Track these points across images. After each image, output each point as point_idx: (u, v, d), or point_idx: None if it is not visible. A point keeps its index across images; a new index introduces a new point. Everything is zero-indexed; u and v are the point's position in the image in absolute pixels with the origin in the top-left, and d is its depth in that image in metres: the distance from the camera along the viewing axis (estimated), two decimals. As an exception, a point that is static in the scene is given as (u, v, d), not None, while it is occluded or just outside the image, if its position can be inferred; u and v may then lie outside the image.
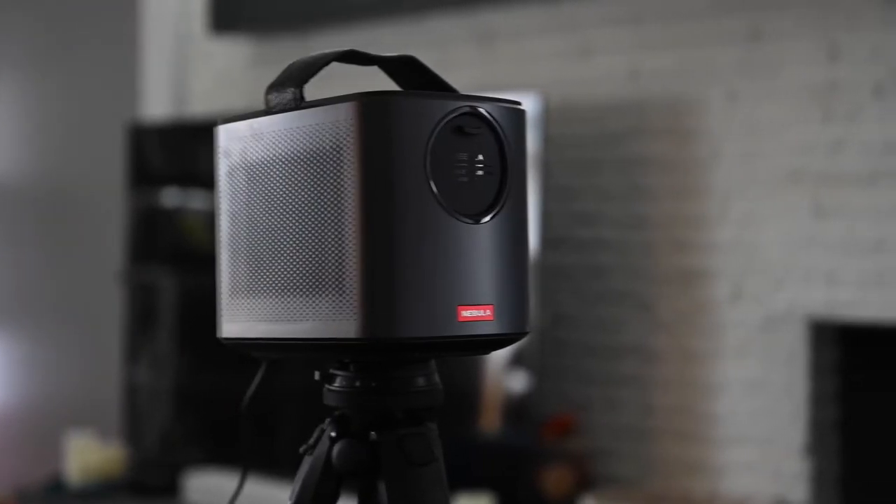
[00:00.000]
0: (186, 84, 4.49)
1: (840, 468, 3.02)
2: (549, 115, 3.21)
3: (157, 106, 4.54)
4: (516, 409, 3.37)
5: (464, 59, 3.65)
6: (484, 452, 3.38)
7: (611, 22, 3.35)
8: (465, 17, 3.65)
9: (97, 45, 4.94)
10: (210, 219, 1.03)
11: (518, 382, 3.31)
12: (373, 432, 0.98)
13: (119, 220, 4.44)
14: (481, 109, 0.94)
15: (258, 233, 0.97)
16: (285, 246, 0.95)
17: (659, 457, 3.28)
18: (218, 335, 1.03)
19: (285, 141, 0.95)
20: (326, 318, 0.92)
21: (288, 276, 0.95)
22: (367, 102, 0.90)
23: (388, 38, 3.79)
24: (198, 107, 4.42)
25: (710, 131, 3.16)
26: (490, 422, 3.41)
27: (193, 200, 4.26)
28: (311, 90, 0.95)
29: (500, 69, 3.57)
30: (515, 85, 3.42)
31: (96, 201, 4.87)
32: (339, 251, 0.91)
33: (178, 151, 4.30)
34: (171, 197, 4.31)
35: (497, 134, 0.95)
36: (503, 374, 3.34)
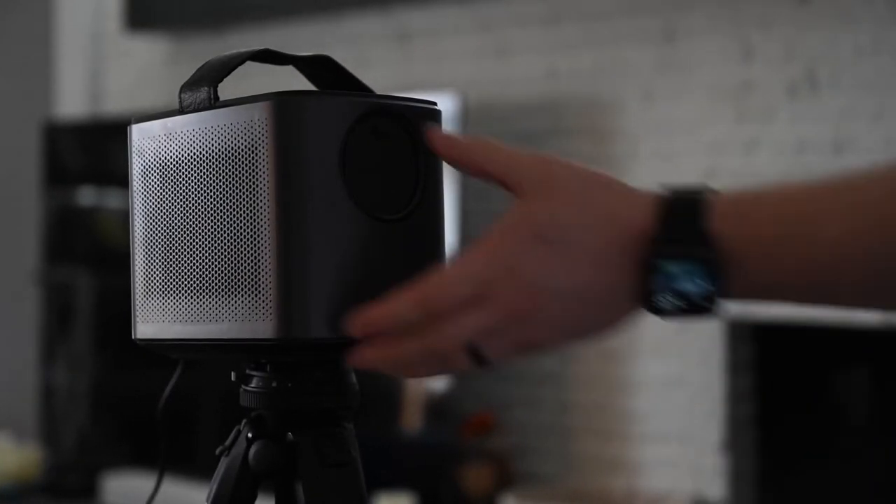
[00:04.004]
0: (102, 82, 4.45)
1: (757, 464, 3.06)
2: (466, 115, 3.22)
3: (72, 104, 4.50)
4: (436, 407, 3.38)
5: (381, 58, 3.65)
6: (405, 451, 3.39)
7: (527, 22, 3.36)
8: (382, 17, 3.65)
9: (11, 43, 4.88)
10: (126, 218, 1.02)
11: (438, 381, 3.32)
12: (290, 433, 0.98)
13: (34, 219, 4.40)
14: (396, 109, 0.94)
15: (173, 233, 0.97)
16: (200, 246, 0.94)
17: (578, 454, 3.30)
18: (133, 336, 1.02)
19: (199, 140, 0.94)
20: (242, 318, 0.92)
21: (203, 276, 0.94)
22: (281, 102, 0.90)
23: (306, 37, 3.78)
24: (114, 105, 4.38)
25: (626, 131, 3.18)
26: (410, 421, 3.42)
27: (110, 199, 4.23)
28: (230, 89, 0.95)
29: (418, 69, 3.57)
30: (433, 84, 3.43)
31: (11, 200, 4.82)
32: (255, 252, 0.90)
33: (94, 150, 4.26)
34: (87, 196, 4.28)
35: (412, 134, 0.95)
36: (423, 372, 3.34)
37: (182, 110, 0.96)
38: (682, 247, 0.87)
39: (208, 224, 0.94)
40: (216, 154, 0.93)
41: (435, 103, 0.97)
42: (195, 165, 0.95)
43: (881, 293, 0.89)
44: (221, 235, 0.93)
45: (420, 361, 0.90)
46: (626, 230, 0.88)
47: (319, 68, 1.01)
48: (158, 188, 0.98)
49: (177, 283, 0.97)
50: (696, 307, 0.88)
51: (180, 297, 0.96)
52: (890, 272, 0.86)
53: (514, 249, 0.88)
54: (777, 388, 3.07)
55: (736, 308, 2.98)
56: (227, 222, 0.92)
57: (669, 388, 3.12)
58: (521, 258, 0.87)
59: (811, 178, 0.89)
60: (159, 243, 0.98)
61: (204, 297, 0.94)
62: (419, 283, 0.88)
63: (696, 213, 0.87)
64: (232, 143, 0.92)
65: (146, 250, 0.99)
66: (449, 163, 0.93)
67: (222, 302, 0.93)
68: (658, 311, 0.90)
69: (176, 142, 0.96)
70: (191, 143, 0.95)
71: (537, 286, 0.87)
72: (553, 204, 0.89)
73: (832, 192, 0.88)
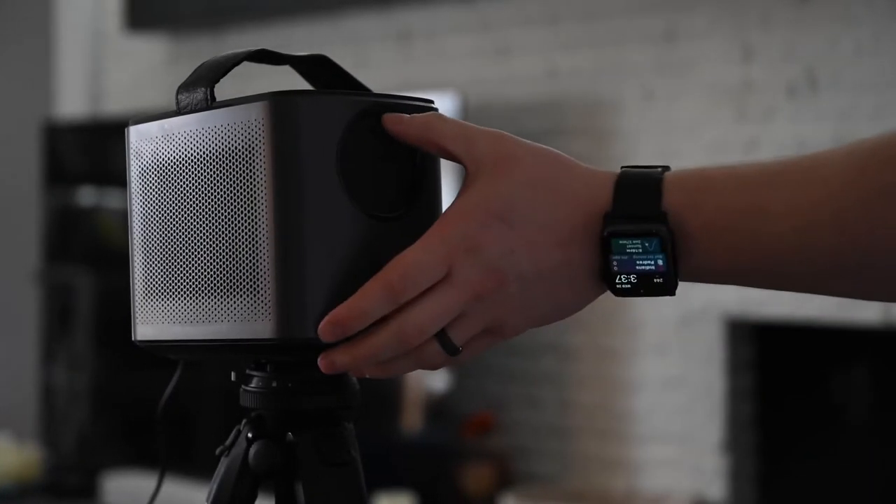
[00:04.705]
0: (102, 82, 4.45)
1: (757, 464, 3.06)
2: (467, 115, 3.22)
3: (72, 104, 4.50)
4: (436, 407, 3.38)
5: (381, 58, 3.65)
6: (405, 451, 3.39)
7: (528, 21, 3.36)
8: (382, 17, 3.65)
9: (11, 43, 4.88)
10: (126, 218, 1.02)
11: (438, 381, 3.32)
12: (290, 433, 0.98)
13: (34, 219, 4.40)
14: (393, 108, 0.94)
15: (171, 234, 0.96)
16: (199, 247, 0.94)
17: (578, 454, 3.30)
18: (133, 338, 1.02)
19: (196, 141, 0.94)
20: (241, 318, 0.92)
21: (202, 277, 0.94)
22: (278, 102, 0.90)
23: (306, 37, 3.78)
24: (114, 105, 4.38)
25: (626, 131, 3.18)
26: (411, 421, 3.42)
27: (110, 199, 4.23)
28: (227, 90, 0.95)
29: (418, 69, 3.57)
30: (433, 84, 3.43)
31: (11, 200, 4.82)
32: (253, 252, 0.90)
33: (94, 150, 4.27)
34: (87, 196, 4.28)
35: (409, 132, 0.95)
36: (423, 372, 3.34)
37: (179, 111, 0.96)
38: (638, 224, 0.87)
39: (207, 225, 0.94)
40: (213, 155, 0.93)
41: (432, 101, 0.97)
42: (193, 166, 0.95)
43: (839, 281, 0.89)
44: (220, 236, 0.93)
45: (391, 356, 0.89)
46: (583, 208, 0.89)
47: (316, 68, 1.00)
48: (156, 190, 0.98)
49: (176, 284, 0.96)
50: (652, 286, 0.89)
51: (179, 299, 0.96)
52: (847, 262, 0.86)
53: (472, 230, 0.88)
54: (777, 388, 3.07)
55: (736, 308, 2.98)
56: (226, 223, 0.92)
57: (669, 388, 3.12)
58: (481, 238, 0.87)
59: (769, 162, 0.89)
60: (158, 245, 0.98)
61: (203, 298, 0.94)
62: (381, 273, 0.88)
63: (653, 192, 0.88)
64: (229, 143, 0.92)
65: (145, 252, 0.99)
66: (406, 142, 0.93)
67: (221, 303, 0.93)
68: (616, 288, 0.90)
69: (173, 143, 0.96)
70: (188, 144, 0.95)
71: (498, 265, 0.87)
72: (510, 183, 0.89)
73: (787, 181, 0.87)
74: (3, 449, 3.98)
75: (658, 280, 0.89)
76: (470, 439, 3.33)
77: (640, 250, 0.88)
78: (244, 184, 0.91)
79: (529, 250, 0.88)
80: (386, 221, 0.92)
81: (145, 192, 0.99)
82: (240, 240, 0.91)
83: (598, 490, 3.21)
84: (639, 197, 0.88)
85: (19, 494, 3.90)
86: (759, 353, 3.05)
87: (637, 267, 0.88)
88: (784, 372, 3.08)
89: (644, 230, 0.87)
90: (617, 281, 0.90)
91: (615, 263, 0.89)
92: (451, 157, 0.92)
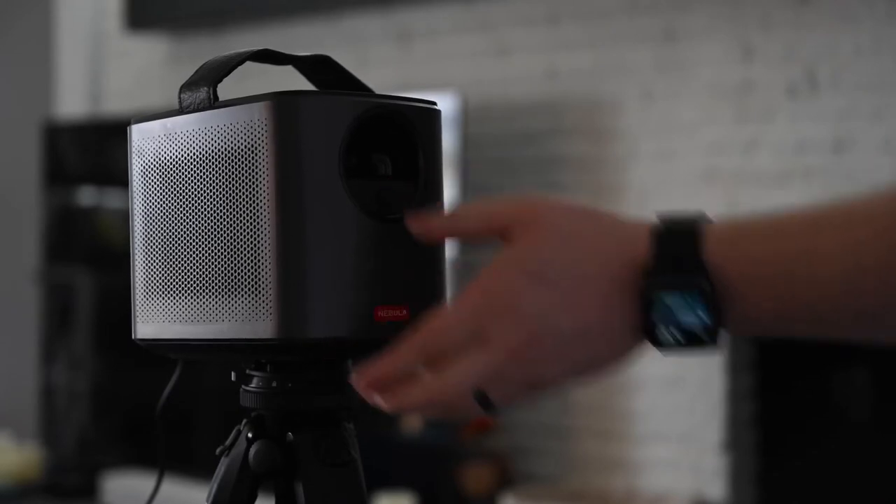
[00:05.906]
0: (102, 82, 4.45)
1: (757, 464, 3.06)
2: (466, 115, 3.22)
3: (72, 104, 4.50)
4: (436, 407, 3.37)
5: (381, 58, 3.65)
6: (404, 452, 3.38)
7: (527, 21, 3.36)
8: (381, 17, 3.65)
9: (11, 43, 4.88)
10: (126, 218, 1.02)
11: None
12: (290, 433, 0.98)
13: (35, 219, 4.40)
14: (396, 109, 0.94)
15: (173, 233, 0.97)
16: (200, 246, 0.94)
17: (578, 454, 3.30)
18: (133, 336, 1.02)
19: (199, 141, 0.94)
20: (242, 318, 0.92)
21: (203, 276, 0.94)
22: (281, 102, 0.90)
23: (306, 37, 3.78)
24: (114, 105, 4.38)
25: (626, 131, 3.18)
26: (411, 421, 3.42)
27: (110, 199, 4.23)
28: (230, 90, 0.95)
29: (418, 69, 3.57)
30: (433, 84, 3.43)
31: (11, 200, 4.82)
32: (254, 252, 0.91)
33: (95, 150, 4.27)
34: (87, 196, 4.28)
35: (411, 133, 0.95)
36: (423, 372, 3.34)
37: (182, 110, 0.96)
38: (679, 278, 0.85)
39: (208, 224, 0.94)
40: (216, 154, 0.93)
41: (435, 103, 0.97)
42: (195, 165, 0.95)
43: (883, 322, 0.87)
44: (221, 235, 0.93)
45: (427, 409, 0.89)
46: (619, 261, 0.87)
47: (319, 68, 1.01)
48: (158, 188, 0.98)
49: (177, 283, 0.97)
50: (695, 340, 0.87)
51: (180, 297, 0.96)
52: (892, 308, 0.85)
53: (507, 289, 0.86)
54: (777, 388, 3.07)
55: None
56: (227, 222, 0.92)
57: (669, 388, 3.12)
58: (517, 297, 0.86)
59: (808, 208, 0.88)
60: (159, 243, 0.98)
61: (204, 297, 0.94)
62: (416, 331, 0.87)
63: (693, 244, 0.86)
64: (232, 143, 0.92)
65: (146, 251, 0.99)
66: (435, 241, 0.93)
67: (222, 302, 0.93)
68: (659, 344, 0.88)
69: (176, 142, 0.96)
70: (190, 143, 0.95)
71: (533, 324, 0.86)
72: (541, 243, 0.87)
73: (831, 226, 0.86)
74: (3, 449, 3.98)
75: (700, 334, 0.86)
76: (470, 439, 3.33)
77: (682, 304, 0.86)
78: (246, 183, 0.91)
79: (566, 308, 0.86)
80: (388, 223, 0.93)
81: (147, 190, 0.99)
82: (241, 239, 0.91)
83: (598, 490, 3.21)
84: (678, 250, 0.86)
85: (19, 494, 3.90)
86: (759, 353, 3.05)
87: (679, 321, 0.86)
88: (784, 372, 3.08)
89: (685, 284, 0.85)
90: (659, 335, 0.87)
91: (656, 318, 0.87)
92: (486, 238, 0.91)
